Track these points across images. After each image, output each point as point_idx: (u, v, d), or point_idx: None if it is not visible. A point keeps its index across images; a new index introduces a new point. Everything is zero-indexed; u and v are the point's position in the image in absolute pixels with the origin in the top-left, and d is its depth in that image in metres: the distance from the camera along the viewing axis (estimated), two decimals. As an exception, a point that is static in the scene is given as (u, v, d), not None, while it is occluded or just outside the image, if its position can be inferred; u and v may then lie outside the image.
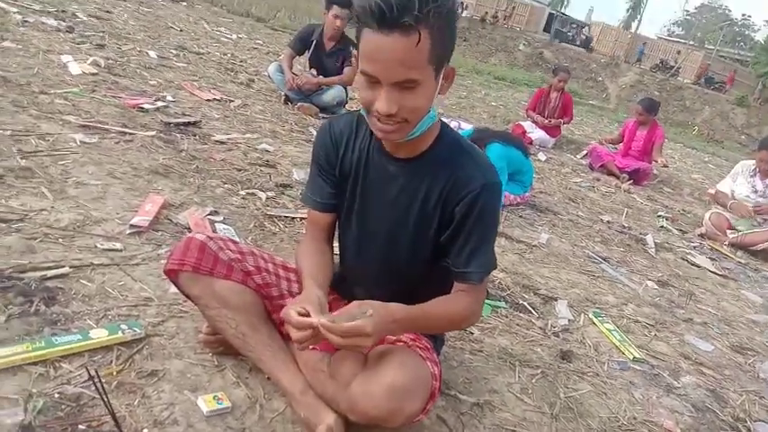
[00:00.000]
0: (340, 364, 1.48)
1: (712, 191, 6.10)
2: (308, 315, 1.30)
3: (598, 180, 6.28)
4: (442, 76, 1.33)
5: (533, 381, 2.04)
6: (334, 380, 1.46)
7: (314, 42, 5.16)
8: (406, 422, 1.39)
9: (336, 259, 1.70)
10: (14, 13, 5.27)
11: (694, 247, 4.65)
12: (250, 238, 2.48)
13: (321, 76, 5.18)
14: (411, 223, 1.50)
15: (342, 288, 1.73)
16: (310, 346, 1.56)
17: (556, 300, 2.78)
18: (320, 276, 1.51)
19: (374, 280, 1.63)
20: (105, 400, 1.30)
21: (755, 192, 4.98)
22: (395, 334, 1.46)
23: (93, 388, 1.34)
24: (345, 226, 1.62)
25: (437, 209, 1.46)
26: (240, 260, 1.59)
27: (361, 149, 1.52)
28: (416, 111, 1.30)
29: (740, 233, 4.90)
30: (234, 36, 8.77)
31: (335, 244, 1.70)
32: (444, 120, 4.92)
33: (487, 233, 1.48)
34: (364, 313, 1.28)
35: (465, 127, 4.66)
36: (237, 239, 2.37)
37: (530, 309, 2.60)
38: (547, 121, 7.22)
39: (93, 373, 1.34)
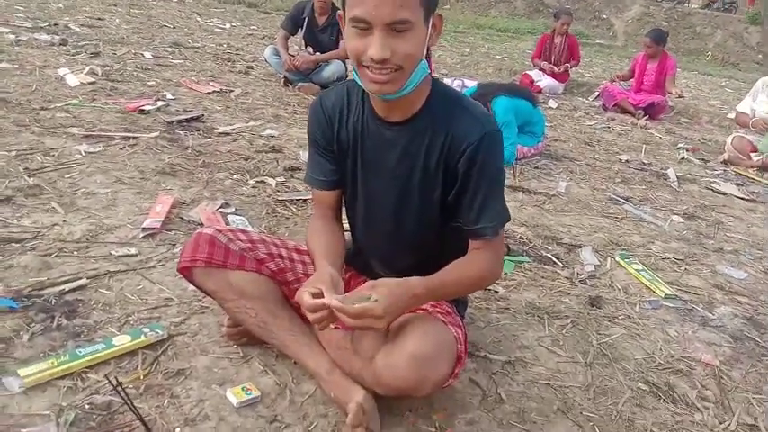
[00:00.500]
0: (362, 339, 1.47)
1: (732, 115, 5.94)
2: (321, 295, 1.29)
3: (613, 120, 6.15)
4: (431, 23, 1.30)
5: (564, 332, 2.01)
6: (358, 355, 1.45)
7: (306, 20, 5.08)
8: (435, 389, 1.38)
9: (348, 236, 1.68)
10: (7, 33, 5.28)
11: (718, 175, 4.54)
12: (264, 226, 2.47)
13: (318, 53, 5.12)
14: (416, 188, 1.46)
15: (358, 262, 1.71)
16: (331, 326, 1.55)
17: (580, 247, 2.73)
18: (332, 255, 1.49)
19: (388, 250, 1.60)
20: (130, 405, 1.31)
21: (778, 107, 4.82)
22: (417, 306, 1.43)
23: (120, 395, 1.34)
24: (351, 200, 1.60)
25: (439, 168, 1.42)
26: (252, 249, 1.58)
27: (355, 121, 1.48)
28: (410, 57, 1.26)
29: (765, 154, 4.76)
30: (227, 25, 8.71)
31: (345, 219, 1.67)
32: (447, 79, 4.86)
33: (494, 184, 1.44)
34: (368, 298, 1.26)
35: (469, 84, 4.57)
36: (250, 229, 2.37)
37: (554, 259, 2.56)
38: (554, 67, 7.06)
39: (114, 381, 1.34)
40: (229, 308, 1.57)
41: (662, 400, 1.74)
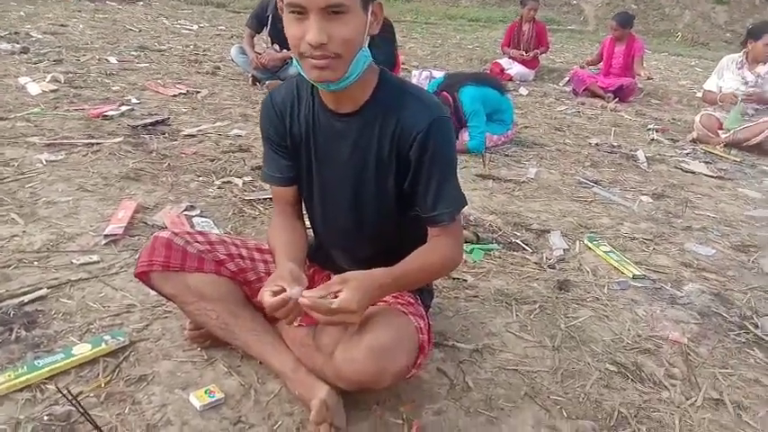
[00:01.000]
0: (323, 335, 1.46)
1: (700, 94, 6.00)
2: (282, 292, 1.28)
3: (583, 104, 6.19)
4: (370, 12, 1.29)
5: (532, 317, 2.02)
6: (320, 351, 1.44)
7: (270, 17, 5.04)
8: (396, 380, 1.38)
9: (310, 231, 1.67)
10: (-34, 43, 5.18)
11: (687, 154, 4.59)
12: (230, 227, 2.45)
13: (284, 50, 5.08)
14: (370, 178, 1.46)
15: (320, 256, 1.70)
16: (296, 323, 1.54)
17: (549, 232, 2.75)
18: (293, 251, 1.48)
19: (347, 242, 1.60)
20: (84, 413, 1.29)
21: (746, 83, 4.88)
22: (383, 297, 1.43)
23: (74, 406, 1.32)
24: (308, 194, 1.59)
25: (392, 157, 1.42)
26: (210, 250, 1.56)
27: (306, 114, 1.47)
28: (347, 43, 1.25)
29: (732, 131, 4.82)
30: (195, 27, 8.62)
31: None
32: (415, 71, 4.82)
33: (447, 170, 1.43)
34: (331, 303, 1.25)
35: (436, 75, 4.57)
36: (216, 231, 2.35)
37: (523, 246, 2.57)
38: (524, 53, 7.08)
39: (66, 391, 1.32)
40: (190, 311, 1.55)
41: (629, 380, 1.75)
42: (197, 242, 1.55)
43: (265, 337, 1.54)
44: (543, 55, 7.53)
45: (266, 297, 1.28)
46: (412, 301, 1.55)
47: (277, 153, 1.54)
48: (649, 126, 5.39)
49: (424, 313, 1.55)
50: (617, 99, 6.37)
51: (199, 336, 1.64)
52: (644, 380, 1.76)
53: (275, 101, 1.51)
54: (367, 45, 1.33)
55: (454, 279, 2.19)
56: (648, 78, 6.70)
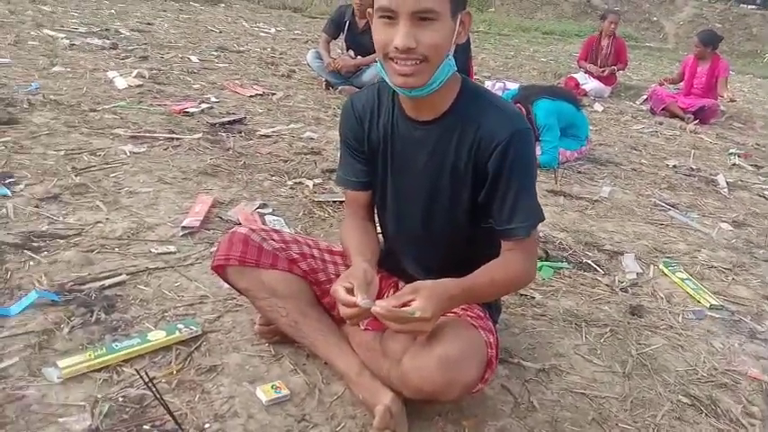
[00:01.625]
0: (391, 341, 1.46)
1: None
2: (353, 291, 1.29)
3: (661, 124, 5.98)
4: (459, 20, 1.29)
5: (602, 340, 1.96)
6: (387, 357, 1.44)
7: (347, 23, 5.11)
8: (463, 393, 1.36)
9: (380, 236, 1.68)
10: (62, 38, 5.48)
11: (772, 182, 4.36)
12: (300, 227, 2.49)
13: (359, 57, 5.14)
14: (446, 187, 1.45)
15: (389, 263, 1.70)
16: (362, 327, 1.55)
17: (622, 254, 2.66)
18: (366, 251, 1.49)
19: (418, 250, 1.59)
20: (160, 399, 1.33)
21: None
22: (451, 309, 1.42)
23: (151, 390, 1.37)
24: (381, 200, 1.59)
25: (469, 168, 1.41)
26: (285, 249, 1.59)
27: (385, 121, 1.48)
28: (435, 48, 1.25)
29: (823, 161, 4.55)
30: (272, 30, 8.83)
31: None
32: (489, 82, 4.81)
33: (525, 183, 1.41)
34: (413, 312, 1.24)
35: (510, 87, 4.52)
36: (287, 229, 2.39)
37: (594, 266, 2.50)
38: (600, 70, 6.91)
39: (145, 375, 1.37)
40: (261, 306, 1.58)
41: (704, 415, 1.68)
42: (272, 240, 1.58)
43: (332, 338, 1.55)
44: (621, 72, 7.32)
45: (341, 292, 1.29)
46: (481, 314, 1.53)
47: (354, 158, 1.56)
48: (731, 150, 5.16)
49: (492, 328, 1.53)
50: (697, 120, 6.12)
51: (268, 332, 1.67)
52: (719, 416, 1.68)
53: (356, 106, 1.53)
54: (452, 54, 1.33)
55: (522, 296, 2.15)
56: (731, 101, 6.41)
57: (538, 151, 3.80)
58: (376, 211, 1.65)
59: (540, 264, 2.41)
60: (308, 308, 1.58)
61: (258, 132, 3.69)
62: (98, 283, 1.84)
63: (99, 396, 1.40)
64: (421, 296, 1.26)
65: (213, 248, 2.17)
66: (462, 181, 1.43)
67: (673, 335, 2.06)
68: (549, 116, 3.77)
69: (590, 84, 6.94)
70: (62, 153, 2.82)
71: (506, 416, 1.55)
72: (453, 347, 1.30)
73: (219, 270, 1.58)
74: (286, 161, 3.26)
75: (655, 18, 18.90)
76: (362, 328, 1.59)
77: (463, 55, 4.86)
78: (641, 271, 2.52)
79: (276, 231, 1.65)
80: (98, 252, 2.03)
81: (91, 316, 1.68)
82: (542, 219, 1.46)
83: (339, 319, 1.61)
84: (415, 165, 1.46)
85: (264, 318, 1.65)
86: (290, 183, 2.95)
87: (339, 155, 1.62)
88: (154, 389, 1.34)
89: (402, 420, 1.40)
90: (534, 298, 2.16)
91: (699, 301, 2.32)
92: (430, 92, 1.33)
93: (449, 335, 1.34)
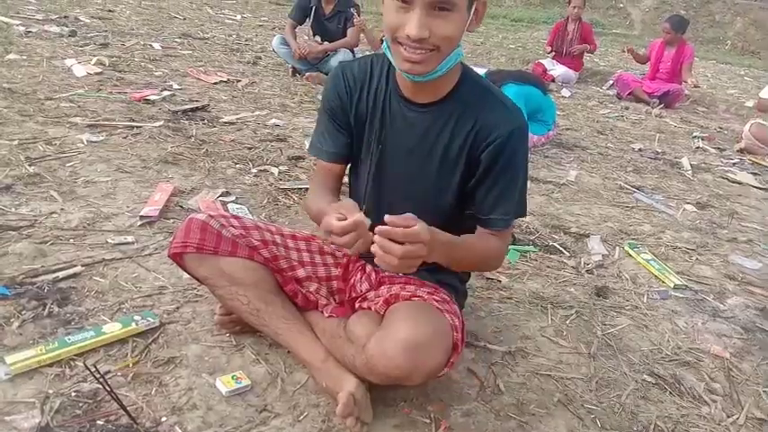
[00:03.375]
0: (355, 326, 1.43)
1: (750, 103, 5.80)
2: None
3: (627, 108, 6.04)
4: (473, 9, 1.27)
5: (567, 322, 1.96)
6: (351, 343, 1.41)
7: (313, 9, 5.03)
8: (428, 378, 1.35)
9: None
10: (17, 25, 5.29)
11: (734, 164, 4.43)
12: (264, 214, 2.44)
13: (326, 42, 5.07)
14: (432, 172, 1.43)
15: None
16: (326, 314, 1.52)
17: (588, 236, 2.67)
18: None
19: None
20: (109, 391, 1.28)
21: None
22: (431, 260, 1.27)
23: (101, 384, 1.32)
24: (359, 176, 1.54)
25: (462, 155, 1.39)
26: (244, 235, 1.54)
27: (376, 95, 1.44)
28: (448, 40, 1.23)
29: (783, 142, 4.64)
30: (238, 17, 8.68)
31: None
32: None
33: (515, 179, 1.40)
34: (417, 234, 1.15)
35: (478, 72, 4.49)
36: (251, 217, 2.34)
37: (560, 249, 2.50)
38: (572, 49, 6.84)
39: (93, 369, 1.32)
40: (221, 295, 1.54)
41: (668, 393, 1.69)
42: (232, 226, 1.54)
43: (295, 326, 1.51)
44: (588, 56, 7.35)
45: (333, 221, 1.19)
46: (447, 298, 1.51)
47: (335, 128, 1.50)
48: (695, 134, 5.23)
49: (458, 312, 1.51)
50: (662, 105, 6.20)
51: (229, 321, 1.63)
52: (683, 393, 1.69)
53: (347, 75, 1.47)
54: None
55: (488, 279, 2.14)
56: (695, 86, 6.50)
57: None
58: (350, 186, 1.61)
59: (506, 247, 2.40)
60: (271, 295, 1.53)
61: (222, 119, 3.61)
62: (51, 276, 1.77)
63: (50, 392, 1.35)
64: (420, 223, 1.17)
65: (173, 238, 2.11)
66: (452, 167, 1.41)
67: (638, 315, 2.08)
68: (516, 101, 3.72)
69: (557, 69, 6.97)
70: (15, 143, 2.71)
71: (472, 399, 1.54)
72: (419, 332, 1.28)
73: (177, 258, 1.53)
74: (250, 148, 3.19)
75: (621, 5, 19.08)
76: (326, 315, 1.56)
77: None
78: (607, 253, 2.54)
79: (236, 218, 1.60)
80: (52, 243, 1.96)
81: (43, 309, 1.62)
82: (524, 214, 1.46)
83: (302, 306, 1.58)
84: (402, 146, 1.43)
85: (225, 307, 1.61)
86: (254, 170, 2.89)
87: (317, 122, 1.55)
88: (105, 383, 1.29)
89: (366, 407, 1.38)
90: (501, 281, 2.15)
91: (663, 282, 2.34)
92: (432, 78, 1.30)
93: (413, 318, 1.32)
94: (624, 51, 6.83)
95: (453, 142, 1.39)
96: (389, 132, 1.45)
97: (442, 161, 1.41)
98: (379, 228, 1.13)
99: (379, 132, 1.45)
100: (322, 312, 1.57)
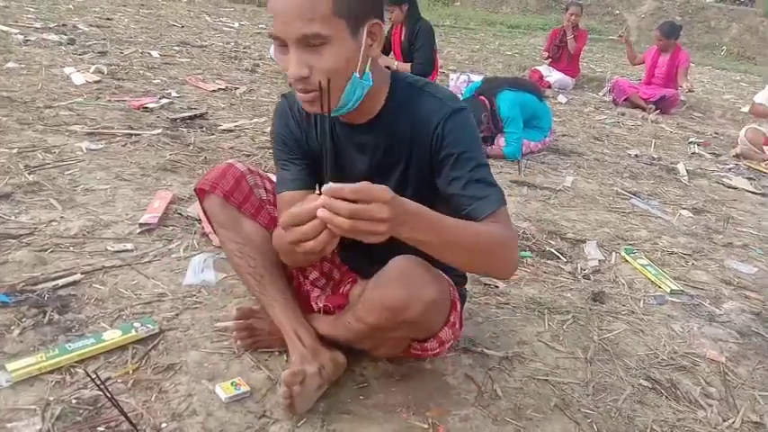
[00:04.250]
0: (354, 292, 1.51)
1: (746, 108, 5.84)
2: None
3: (623, 114, 6.07)
4: (365, 33, 1.19)
5: (564, 327, 1.97)
6: (351, 308, 1.45)
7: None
8: (425, 313, 1.29)
9: None
10: (16, 34, 5.31)
11: (730, 169, 4.46)
12: (262, 222, 2.45)
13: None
14: (393, 188, 1.36)
15: (346, 257, 1.68)
16: (320, 303, 1.54)
17: (584, 242, 2.69)
18: None
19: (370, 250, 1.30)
20: (110, 398, 1.29)
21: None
22: (406, 234, 1.08)
23: (102, 391, 1.33)
24: None
25: (412, 161, 1.36)
26: (271, 202, 1.57)
27: (323, 123, 1.39)
28: (332, 73, 1.12)
29: (779, 148, 4.67)
30: (236, 24, 8.72)
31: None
32: (453, 74, 4.80)
33: (476, 159, 1.30)
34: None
35: (474, 79, 4.53)
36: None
37: (557, 254, 2.52)
38: (570, 37, 6.86)
39: (94, 376, 1.33)
40: (231, 249, 1.56)
41: (664, 397, 1.70)
42: (264, 188, 1.57)
43: (291, 303, 1.54)
44: (585, 62, 7.38)
45: (286, 214, 1.01)
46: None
47: (293, 159, 1.44)
48: (691, 139, 5.27)
49: (456, 296, 1.49)
50: (658, 110, 6.24)
51: (245, 328, 1.60)
52: (679, 398, 1.71)
53: (293, 106, 1.43)
54: (368, 69, 1.23)
55: (485, 285, 2.16)
56: (690, 91, 6.54)
57: (502, 142, 3.83)
58: None
59: (503, 253, 2.42)
60: (276, 267, 1.54)
61: (220, 127, 3.63)
62: (51, 283, 1.78)
63: (51, 399, 1.36)
64: (385, 189, 0.99)
65: (172, 245, 2.13)
66: (409, 177, 1.38)
67: (634, 320, 2.09)
68: (512, 108, 3.79)
69: (554, 76, 7.01)
70: (15, 151, 2.72)
71: (470, 405, 1.55)
72: (416, 265, 1.29)
73: (201, 194, 1.56)
74: (248, 155, 3.21)
75: (617, 11, 19.19)
76: (320, 305, 1.59)
77: (429, 49, 4.86)
78: (603, 258, 2.55)
79: (270, 180, 1.61)
80: (52, 251, 1.97)
81: (43, 317, 1.63)
82: (503, 201, 1.34)
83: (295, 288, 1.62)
84: (357, 168, 1.41)
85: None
86: (252, 177, 2.90)
87: (275, 162, 1.49)
88: (105, 389, 1.30)
89: (308, 396, 1.39)
90: (498, 287, 2.16)
91: (659, 287, 2.35)
92: (346, 112, 1.27)
93: (409, 258, 1.30)
94: (619, 38, 6.92)
95: (401, 151, 1.36)
96: (342, 159, 1.41)
97: (400, 175, 1.38)
98: (325, 186, 0.97)
99: (331, 160, 1.40)
100: (313, 306, 1.61)
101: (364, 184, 0.97)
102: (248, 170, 1.56)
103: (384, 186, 0.99)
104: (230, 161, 1.57)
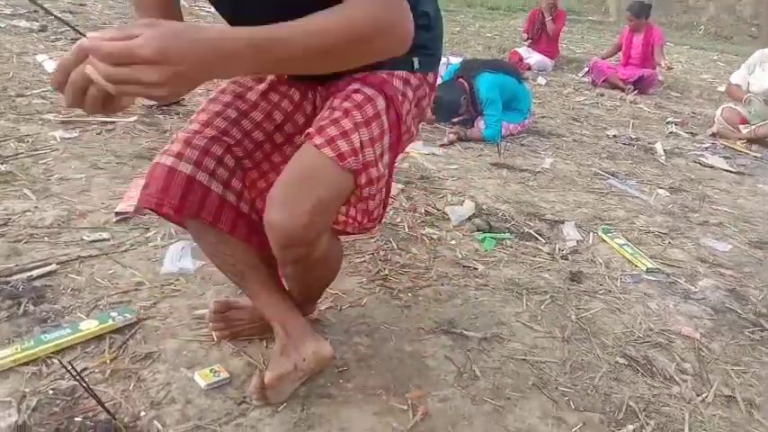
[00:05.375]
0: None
1: (723, 87, 5.90)
2: None
3: (602, 95, 6.10)
4: None
5: (542, 307, 2.00)
6: None
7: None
8: (318, 211, 1.16)
9: None
10: (-15, 20, 5.20)
11: (706, 149, 4.51)
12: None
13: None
14: None
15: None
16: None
17: (563, 223, 2.71)
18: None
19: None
20: (86, 388, 1.28)
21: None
22: (232, 72, 0.99)
23: (77, 380, 1.32)
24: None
25: None
26: (246, 187, 1.36)
27: None
28: None
29: (754, 126, 4.72)
30: (212, 9, 8.56)
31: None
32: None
33: None
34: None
35: (453, 61, 4.52)
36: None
37: (536, 236, 2.54)
38: (548, 18, 6.86)
39: (68, 365, 1.32)
40: (206, 250, 1.44)
41: (640, 374, 1.73)
42: (223, 166, 1.32)
43: (278, 294, 1.47)
44: (564, 44, 7.40)
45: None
46: (381, 108, 1.27)
47: None
48: (668, 119, 5.31)
49: (398, 106, 1.30)
50: (636, 91, 6.28)
51: (221, 320, 1.60)
52: (654, 374, 1.74)
53: None
54: None
55: (465, 267, 2.17)
56: (669, 68, 6.59)
57: (481, 125, 3.83)
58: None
59: (482, 235, 2.44)
60: (256, 260, 1.42)
61: (197, 114, 3.58)
62: (26, 274, 1.76)
63: (27, 390, 1.34)
64: (149, 42, 0.80)
65: (149, 233, 2.11)
66: None
67: (611, 299, 2.12)
68: (491, 90, 3.79)
69: (533, 57, 7.02)
70: (-14, 141, 2.68)
71: (449, 386, 1.56)
72: (292, 171, 1.19)
73: (152, 211, 1.33)
74: (227, 142, 3.18)
75: (596, -9, 19.19)
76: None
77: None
78: (581, 238, 2.58)
79: (230, 151, 1.33)
80: (26, 242, 1.95)
81: (18, 308, 1.61)
82: None
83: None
84: None
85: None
86: (230, 164, 2.88)
87: None
88: (81, 380, 1.29)
89: (281, 391, 1.39)
90: (477, 269, 2.18)
91: (636, 266, 2.39)
92: None
93: (293, 164, 1.21)
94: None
95: None
96: None
97: None
98: (76, 45, 0.82)
99: None
100: None
101: (121, 44, 0.79)
102: (196, 167, 1.27)
103: (154, 35, 0.80)
104: (168, 164, 1.28)
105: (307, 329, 1.47)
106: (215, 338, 1.60)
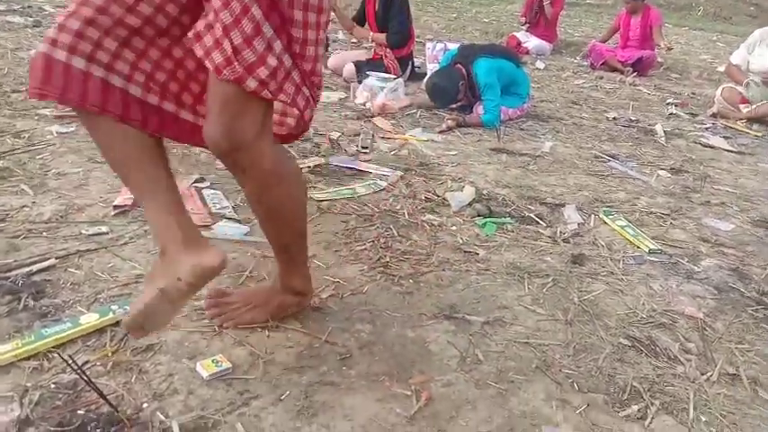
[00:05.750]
0: None
1: (722, 68, 5.86)
2: None
3: (601, 78, 6.07)
4: None
5: (544, 290, 1.99)
6: None
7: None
8: (228, 119, 1.25)
9: None
10: (-21, 17, 5.17)
11: (707, 129, 4.48)
12: (240, 199, 2.42)
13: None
14: None
15: None
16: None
17: (564, 206, 2.70)
18: None
19: None
20: (88, 381, 1.28)
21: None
22: None
23: (78, 374, 1.32)
24: None
25: None
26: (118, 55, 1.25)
27: None
28: None
29: (755, 106, 4.69)
30: (208, 0, 8.53)
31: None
32: (430, 43, 4.73)
33: None
34: None
35: (451, 47, 4.48)
36: (226, 203, 2.33)
37: (537, 219, 2.52)
38: (546, 2, 6.80)
39: (69, 359, 1.32)
40: (93, 137, 1.35)
41: (643, 355, 1.72)
42: (102, 49, 1.22)
43: (165, 194, 1.37)
44: (562, 27, 7.36)
45: None
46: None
47: None
48: (668, 100, 5.28)
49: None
50: (636, 72, 6.24)
51: (214, 305, 1.61)
52: (658, 354, 1.73)
53: None
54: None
55: (466, 252, 2.16)
56: (668, 49, 6.55)
57: (480, 110, 3.81)
58: None
59: (483, 220, 2.43)
60: (142, 151, 1.33)
61: (194, 106, 3.56)
62: (25, 269, 1.76)
63: (29, 385, 1.34)
64: None
65: (147, 227, 2.09)
66: None
67: (613, 280, 2.11)
68: (489, 75, 3.76)
69: (531, 42, 6.98)
70: (-18, 137, 2.67)
71: (452, 370, 1.56)
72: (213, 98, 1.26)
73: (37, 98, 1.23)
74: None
75: (593, -26, 19.05)
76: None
77: (404, 18, 4.77)
78: (582, 221, 2.56)
79: (109, 33, 1.22)
80: (24, 237, 1.94)
81: (18, 303, 1.61)
82: None
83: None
84: None
85: (210, 291, 1.56)
86: (228, 155, 2.87)
87: None
88: (83, 373, 1.29)
89: (159, 318, 1.35)
90: (478, 254, 2.17)
91: (638, 247, 2.37)
92: None
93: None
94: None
95: None
96: None
97: None
98: None
99: None
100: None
101: None
102: (71, 48, 1.19)
103: None
104: (44, 51, 1.19)
105: (190, 242, 1.32)
106: (216, 326, 1.59)
